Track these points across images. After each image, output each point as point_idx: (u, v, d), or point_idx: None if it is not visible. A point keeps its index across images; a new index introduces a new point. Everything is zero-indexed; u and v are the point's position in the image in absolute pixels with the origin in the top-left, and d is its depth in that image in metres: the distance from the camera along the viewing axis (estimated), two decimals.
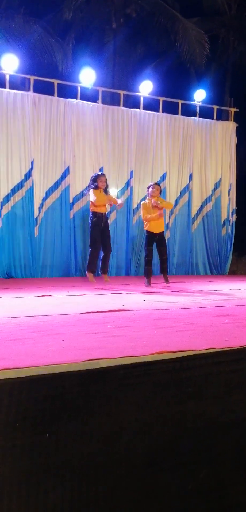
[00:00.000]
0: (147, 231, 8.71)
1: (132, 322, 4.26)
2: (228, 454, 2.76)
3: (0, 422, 2.22)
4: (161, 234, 8.77)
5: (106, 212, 8.71)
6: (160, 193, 9.11)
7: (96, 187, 8.51)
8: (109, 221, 10.86)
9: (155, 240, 8.72)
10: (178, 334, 3.59)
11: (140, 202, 11.13)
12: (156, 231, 8.65)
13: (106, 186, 8.71)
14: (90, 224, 8.56)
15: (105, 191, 8.65)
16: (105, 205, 8.61)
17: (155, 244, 8.74)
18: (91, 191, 8.53)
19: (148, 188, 8.98)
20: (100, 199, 8.45)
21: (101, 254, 8.68)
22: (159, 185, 9.18)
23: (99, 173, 8.98)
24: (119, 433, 2.46)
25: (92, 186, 8.59)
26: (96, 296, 6.78)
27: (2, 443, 2.21)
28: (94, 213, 8.48)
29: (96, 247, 8.42)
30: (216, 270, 12.21)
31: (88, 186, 8.84)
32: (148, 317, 4.64)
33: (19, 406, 2.28)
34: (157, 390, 2.65)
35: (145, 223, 8.73)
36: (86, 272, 8.56)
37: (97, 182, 8.53)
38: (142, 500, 2.47)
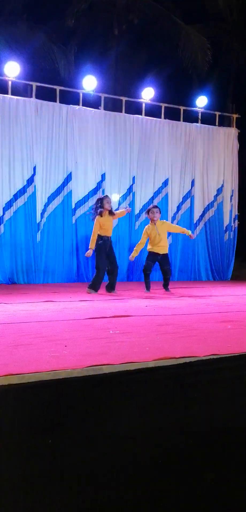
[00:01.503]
0: (149, 251, 8.70)
1: (134, 328, 4.26)
2: (233, 459, 2.76)
3: (4, 428, 2.22)
4: (165, 255, 8.74)
5: (110, 236, 8.49)
6: (160, 213, 8.95)
7: (101, 213, 8.28)
8: None
9: (158, 259, 8.69)
10: (180, 340, 3.58)
11: (143, 208, 11.20)
12: (160, 252, 8.67)
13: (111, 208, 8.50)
14: (95, 246, 8.36)
15: (111, 212, 8.42)
16: (109, 228, 8.43)
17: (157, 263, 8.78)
18: (97, 219, 8.29)
19: (148, 212, 8.85)
20: (105, 226, 8.28)
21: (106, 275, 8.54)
22: (157, 207, 9.00)
23: (104, 195, 8.79)
24: (123, 439, 2.46)
25: (100, 209, 8.31)
26: (98, 302, 6.78)
27: (6, 448, 2.21)
28: (100, 237, 8.34)
29: (101, 272, 8.33)
30: (218, 275, 12.20)
31: (93, 208, 8.63)
32: (151, 323, 4.64)
33: (23, 412, 2.28)
34: (160, 396, 2.65)
35: (148, 244, 8.74)
36: (87, 289, 8.36)
37: (104, 203, 8.31)
38: (147, 506, 2.47)
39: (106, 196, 8.64)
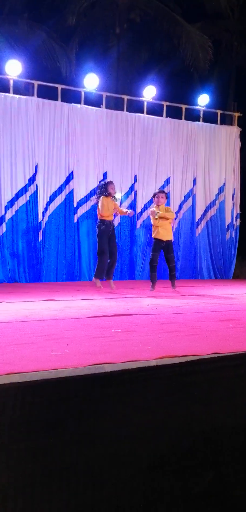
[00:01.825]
0: (154, 238, 8.68)
1: (136, 327, 4.26)
2: (233, 458, 2.75)
3: (5, 426, 2.22)
4: (169, 242, 8.69)
5: (113, 220, 8.61)
6: (167, 198, 9.04)
7: (108, 195, 8.40)
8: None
9: (162, 247, 8.66)
10: (182, 338, 3.58)
11: (144, 207, 11.19)
12: (164, 238, 8.60)
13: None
14: (98, 232, 8.46)
15: (114, 198, 8.56)
16: (112, 214, 8.51)
17: (162, 251, 8.72)
18: (102, 198, 8.41)
19: (154, 196, 8.92)
20: (108, 208, 8.37)
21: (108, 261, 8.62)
22: (164, 192, 9.06)
23: (109, 180, 8.87)
24: (125, 437, 2.45)
25: (105, 193, 8.48)
26: (100, 301, 6.78)
27: (7, 446, 2.21)
28: (102, 221, 8.39)
29: (105, 256, 8.36)
30: (220, 274, 12.19)
31: (96, 193, 8.72)
32: (153, 322, 4.64)
33: (24, 410, 2.28)
34: (162, 394, 2.65)
35: (153, 230, 8.73)
36: (94, 278, 8.49)
37: (109, 189, 8.41)
38: (147, 504, 2.47)
39: (111, 181, 8.71)
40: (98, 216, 8.57)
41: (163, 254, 8.68)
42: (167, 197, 9.14)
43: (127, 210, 9.02)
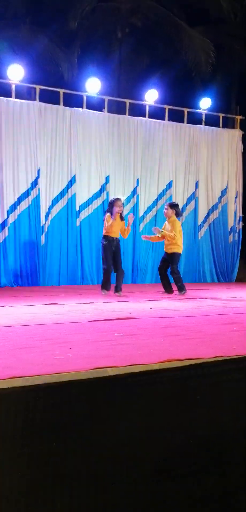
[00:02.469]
0: (164, 250, 8.88)
1: (139, 330, 4.25)
2: (237, 462, 2.74)
3: (8, 430, 2.21)
4: (171, 254, 8.74)
5: (117, 237, 8.54)
6: (176, 211, 8.93)
7: (111, 213, 8.37)
8: None
9: (166, 258, 8.79)
10: (185, 342, 3.57)
11: (147, 210, 11.20)
12: (168, 251, 8.75)
13: (122, 212, 8.52)
14: (101, 246, 8.55)
15: (121, 217, 8.47)
16: (116, 230, 8.47)
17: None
18: (107, 216, 8.41)
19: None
20: (111, 226, 8.34)
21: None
22: (169, 204, 9.03)
23: (116, 197, 8.80)
24: (127, 441, 2.45)
25: (110, 211, 8.42)
26: (103, 304, 6.78)
27: (10, 451, 2.20)
28: (105, 237, 8.41)
29: (109, 267, 8.41)
30: (223, 277, 12.18)
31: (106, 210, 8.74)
32: (155, 325, 4.63)
33: (27, 415, 2.27)
34: (165, 398, 2.64)
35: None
36: (101, 289, 8.53)
37: (114, 207, 8.37)
38: (151, 508, 2.46)
39: (118, 199, 8.59)
40: (103, 231, 8.52)
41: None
42: (175, 208, 8.97)
43: (128, 223, 8.83)
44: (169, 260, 8.74)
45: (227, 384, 2.89)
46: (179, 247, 8.81)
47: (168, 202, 9.42)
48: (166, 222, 8.90)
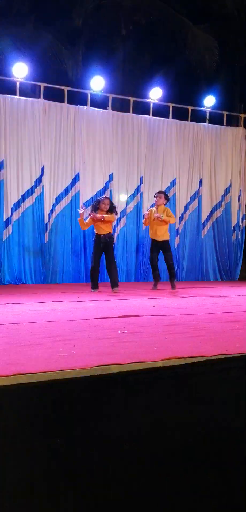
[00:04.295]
0: (151, 239, 9.05)
1: (142, 328, 4.27)
2: (239, 460, 2.76)
3: (11, 427, 2.24)
4: (164, 242, 8.93)
5: (105, 233, 8.62)
6: (168, 200, 9.24)
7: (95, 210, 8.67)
8: (119, 227, 10.92)
9: (159, 246, 8.94)
10: (188, 339, 3.59)
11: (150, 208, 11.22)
12: (159, 239, 8.89)
13: (110, 208, 8.66)
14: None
15: (106, 212, 8.64)
16: (100, 226, 8.62)
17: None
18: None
19: (155, 196, 9.20)
20: (96, 224, 8.64)
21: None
22: (163, 193, 9.27)
23: (103, 197, 9.05)
24: (131, 438, 2.46)
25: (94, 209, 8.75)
26: (106, 302, 6.80)
27: (14, 447, 2.22)
28: (94, 233, 8.79)
29: (93, 267, 8.62)
30: (226, 275, 12.17)
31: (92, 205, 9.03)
32: (158, 323, 4.65)
33: (31, 411, 2.29)
34: (168, 396, 2.66)
35: (150, 229, 9.03)
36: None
37: (100, 205, 8.64)
38: (153, 505, 2.47)
39: (106, 197, 8.92)
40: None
41: (162, 253, 8.85)
42: (167, 198, 9.33)
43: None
44: (162, 249, 8.88)
45: (230, 382, 2.91)
46: (168, 234, 9.09)
47: (160, 191, 9.50)
48: (154, 209, 8.99)
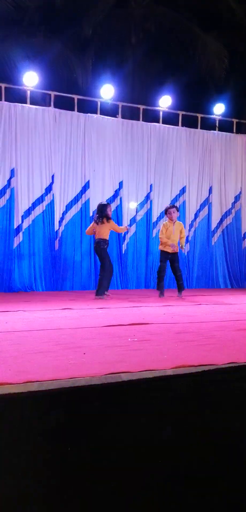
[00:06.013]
0: (162, 250, 9.04)
1: (152, 336, 4.26)
2: None
3: (22, 434, 2.24)
4: (174, 254, 9.00)
5: (99, 238, 8.73)
6: (178, 212, 9.31)
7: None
8: (129, 234, 10.94)
9: (169, 258, 8.99)
10: (199, 347, 3.58)
11: (160, 216, 11.20)
12: (170, 251, 8.94)
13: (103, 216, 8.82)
14: None
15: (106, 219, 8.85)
16: (94, 232, 8.84)
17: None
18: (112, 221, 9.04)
19: (166, 211, 9.16)
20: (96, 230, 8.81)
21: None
22: (175, 206, 9.33)
23: (107, 203, 9.19)
24: (141, 446, 2.46)
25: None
26: (116, 310, 6.80)
27: (25, 455, 2.23)
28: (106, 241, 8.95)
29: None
30: (236, 283, 12.14)
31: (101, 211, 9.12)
32: (169, 331, 4.64)
33: (41, 419, 2.30)
34: (178, 404, 2.65)
35: (161, 243, 8.98)
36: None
37: (107, 211, 8.81)
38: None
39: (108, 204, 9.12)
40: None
41: (169, 264, 8.97)
42: (178, 210, 9.33)
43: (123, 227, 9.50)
44: (175, 260, 8.98)
45: (241, 391, 2.89)
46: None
47: (173, 205, 9.48)
48: (167, 223, 9.04)
